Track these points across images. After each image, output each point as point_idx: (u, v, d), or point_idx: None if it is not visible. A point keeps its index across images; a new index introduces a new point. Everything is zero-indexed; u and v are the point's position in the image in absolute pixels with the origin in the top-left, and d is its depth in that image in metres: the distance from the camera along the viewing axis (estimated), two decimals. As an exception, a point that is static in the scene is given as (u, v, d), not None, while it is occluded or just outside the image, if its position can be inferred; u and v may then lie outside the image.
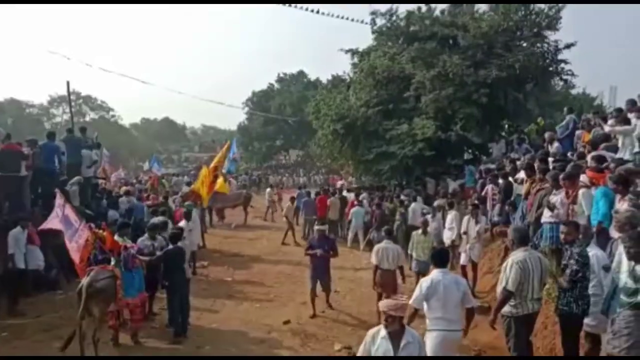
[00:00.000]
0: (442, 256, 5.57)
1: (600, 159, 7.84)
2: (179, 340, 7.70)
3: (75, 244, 7.32)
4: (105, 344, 7.22)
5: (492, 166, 14.71)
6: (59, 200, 7.82)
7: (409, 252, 10.21)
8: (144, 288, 7.79)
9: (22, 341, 7.57)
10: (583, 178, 7.32)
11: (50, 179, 11.44)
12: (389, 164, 18.81)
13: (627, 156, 8.56)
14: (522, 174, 10.65)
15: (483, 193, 12.60)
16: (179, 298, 7.92)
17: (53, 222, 7.62)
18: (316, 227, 9.56)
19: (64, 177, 11.95)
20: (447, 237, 11.37)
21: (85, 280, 6.77)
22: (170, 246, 8.09)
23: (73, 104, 37.78)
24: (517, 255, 5.27)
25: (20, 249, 9.07)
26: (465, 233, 10.38)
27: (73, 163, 12.54)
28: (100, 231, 7.55)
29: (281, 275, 12.18)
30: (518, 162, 12.35)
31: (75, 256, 7.16)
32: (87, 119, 55.65)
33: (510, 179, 11.38)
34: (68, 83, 22.69)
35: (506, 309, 5.26)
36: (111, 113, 61.07)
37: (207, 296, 10.33)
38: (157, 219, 10.39)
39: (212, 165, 16.70)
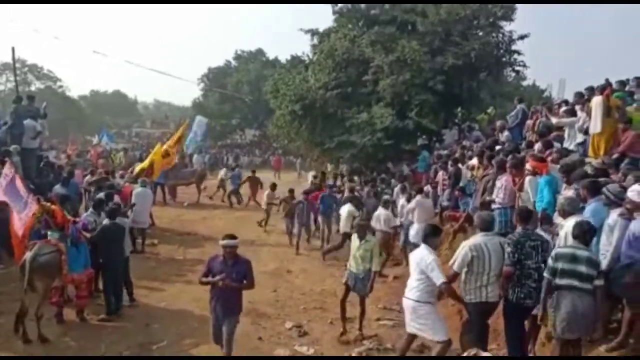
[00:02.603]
0: (427, 232, 5.84)
1: (547, 144, 8.23)
2: (118, 315, 7.65)
3: (25, 217, 7.01)
4: (48, 320, 7.01)
5: (444, 152, 15.06)
6: (7, 170, 7.42)
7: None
8: (90, 264, 7.55)
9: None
10: (527, 167, 7.64)
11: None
12: (350, 153, 19.05)
13: (572, 147, 8.98)
14: (473, 161, 10.98)
15: (436, 178, 12.90)
16: (113, 276, 7.73)
17: None
18: (222, 242, 5.80)
19: (6, 147, 11.35)
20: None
21: (28, 255, 6.51)
22: (107, 222, 7.82)
23: (18, 72, 35.75)
24: (474, 239, 5.48)
25: None
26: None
27: (15, 133, 11.96)
28: (49, 205, 7.26)
29: (233, 254, 12.05)
30: (468, 151, 12.71)
31: (19, 230, 6.86)
32: (33, 88, 52.74)
33: (460, 165, 11.71)
34: (13, 49, 21.51)
35: (463, 294, 5.48)
36: (58, 83, 58.22)
37: (156, 275, 10.18)
38: (102, 194, 10.07)
39: (167, 144, 16.51)
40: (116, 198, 10.71)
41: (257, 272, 10.32)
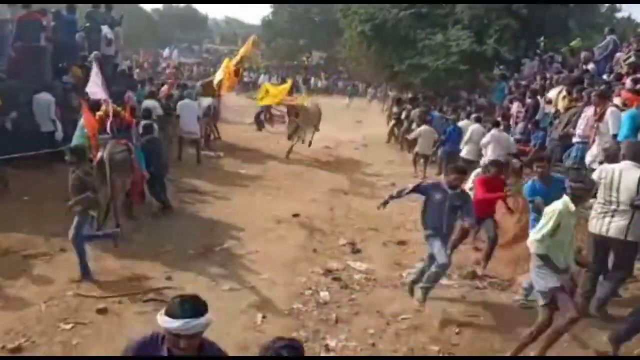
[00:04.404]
0: None
1: (636, 80, 7.59)
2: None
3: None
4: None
5: (523, 82, 14.18)
6: (96, 68, 8.00)
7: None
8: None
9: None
10: (618, 100, 7.11)
11: (71, 53, 11.28)
12: (421, 77, 18.22)
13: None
14: (550, 94, 10.32)
15: (510, 111, 12.25)
16: (160, 182, 8.43)
17: (97, 90, 7.80)
18: (171, 325, 2.30)
19: (84, 52, 11.74)
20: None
21: (104, 152, 6.91)
22: (148, 136, 8.44)
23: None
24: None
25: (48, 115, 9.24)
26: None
27: (93, 39, 12.21)
28: (117, 107, 7.69)
29: (292, 173, 12.34)
30: (549, 82, 11.92)
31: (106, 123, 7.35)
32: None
33: (539, 97, 11.03)
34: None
35: None
36: (132, -5, 58.88)
37: (222, 184, 10.60)
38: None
39: (235, 58, 16.44)
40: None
41: (315, 191, 10.72)
